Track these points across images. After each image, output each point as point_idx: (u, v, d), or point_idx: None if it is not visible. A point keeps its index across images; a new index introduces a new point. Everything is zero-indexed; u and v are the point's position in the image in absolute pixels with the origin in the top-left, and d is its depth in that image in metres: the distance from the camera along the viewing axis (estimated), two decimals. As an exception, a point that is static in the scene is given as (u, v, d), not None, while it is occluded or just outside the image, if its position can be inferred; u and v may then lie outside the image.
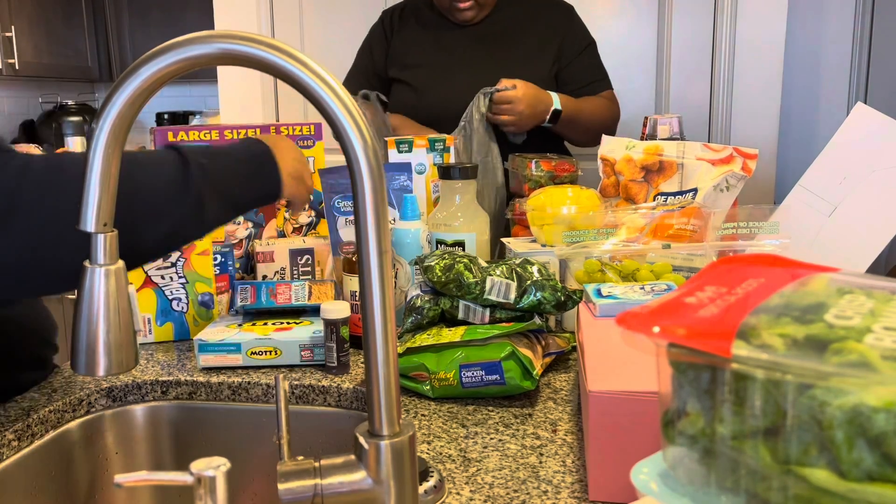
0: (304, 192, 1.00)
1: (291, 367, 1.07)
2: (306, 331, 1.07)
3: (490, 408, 0.93)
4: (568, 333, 1.11)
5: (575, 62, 1.85)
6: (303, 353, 1.06)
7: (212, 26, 2.97)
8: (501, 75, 1.74)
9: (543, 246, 1.24)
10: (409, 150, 1.46)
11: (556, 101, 1.71)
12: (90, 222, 0.52)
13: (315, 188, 1.45)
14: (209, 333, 1.07)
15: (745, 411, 0.42)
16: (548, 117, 1.71)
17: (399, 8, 1.98)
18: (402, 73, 1.90)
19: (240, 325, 1.11)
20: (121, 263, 0.54)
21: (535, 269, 1.03)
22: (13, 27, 3.54)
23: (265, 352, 1.05)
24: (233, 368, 1.06)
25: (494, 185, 1.68)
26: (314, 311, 1.15)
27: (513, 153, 1.65)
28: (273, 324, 1.11)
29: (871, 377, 0.38)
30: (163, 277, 1.17)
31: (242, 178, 0.90)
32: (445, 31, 1.88)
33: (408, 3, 1.98)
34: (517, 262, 1.05)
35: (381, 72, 1.94)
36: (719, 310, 0.45)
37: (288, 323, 1.11)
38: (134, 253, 0.76)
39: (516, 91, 1.65)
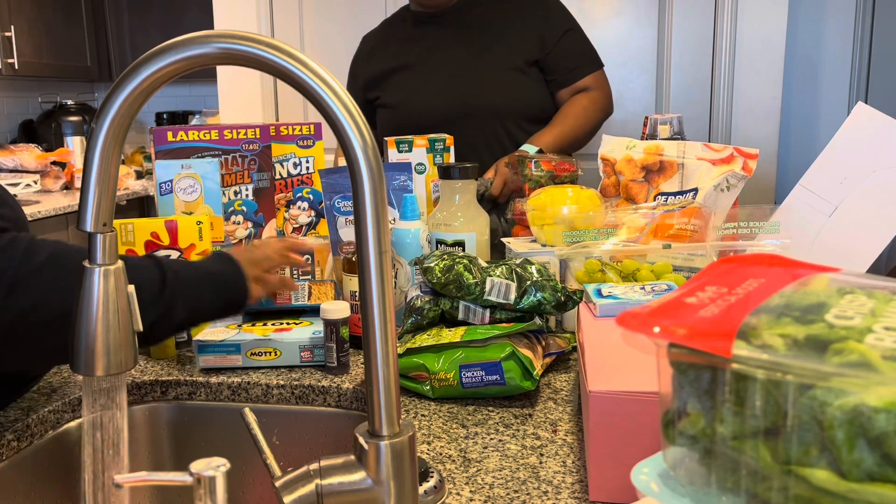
0: (261, 291, 1.05)
1: (291, 368, 1.06)
2: (306, 331, 1.07)
3: (490, 408, 0.93)
4: (568, 333, 1.11)
5: (556, 50, 1.82)
6: (303, 353, 1.06)
7: (212, 26, 2.97)
8: (480, 75, 1.73)
9: (543, 246, 1.24)
10: (409, 150, 1.46)
11: (530, 151, 1.68)
12: (89, 222, 0.52)
13: (315, 188, 1.45)
14: (209, 334, 1.07)
15: (746, 411, 0.42)
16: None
17: (375, 31, 1.98)
18: (381, 93, 1.89)
19: (239, 325, 1.11)
20: (120, 263, 0.54)
21: (534, 269, 1.03)
22: (13, 27, 3.53)
23: (265, 352, 1.05)
24: (232, 369, 1.06)
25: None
26: (314, 311, 1.14)
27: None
28: (273, 324, 1.11)
29: (872, 377, 0.38)
30: (162, 277, 1.16)
31: (211, 291, 0.96)
32: (420, 28, 1.87)
33: (384, 22, 1.98)
34: (517, 262, 1.05)
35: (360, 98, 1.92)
36: (720, 310, 0.45)
37: (288, 323, 1.11)
38: None
39: (495, 187, 1.59)
